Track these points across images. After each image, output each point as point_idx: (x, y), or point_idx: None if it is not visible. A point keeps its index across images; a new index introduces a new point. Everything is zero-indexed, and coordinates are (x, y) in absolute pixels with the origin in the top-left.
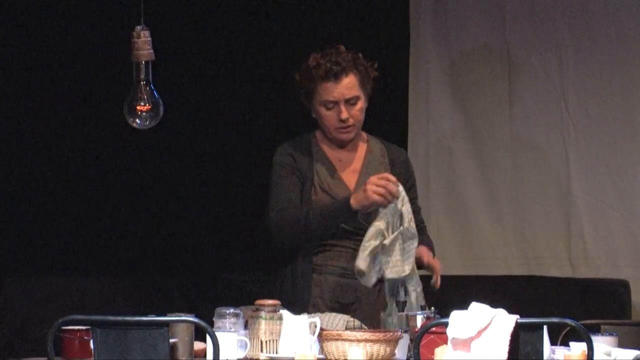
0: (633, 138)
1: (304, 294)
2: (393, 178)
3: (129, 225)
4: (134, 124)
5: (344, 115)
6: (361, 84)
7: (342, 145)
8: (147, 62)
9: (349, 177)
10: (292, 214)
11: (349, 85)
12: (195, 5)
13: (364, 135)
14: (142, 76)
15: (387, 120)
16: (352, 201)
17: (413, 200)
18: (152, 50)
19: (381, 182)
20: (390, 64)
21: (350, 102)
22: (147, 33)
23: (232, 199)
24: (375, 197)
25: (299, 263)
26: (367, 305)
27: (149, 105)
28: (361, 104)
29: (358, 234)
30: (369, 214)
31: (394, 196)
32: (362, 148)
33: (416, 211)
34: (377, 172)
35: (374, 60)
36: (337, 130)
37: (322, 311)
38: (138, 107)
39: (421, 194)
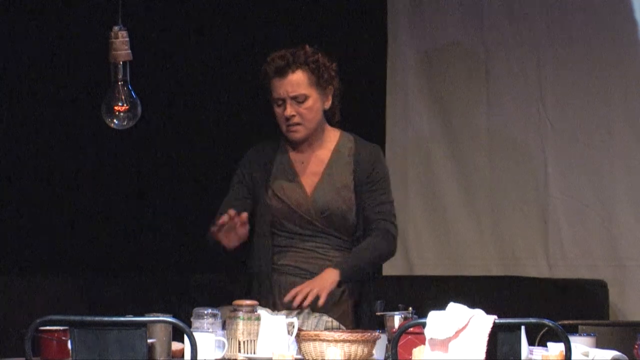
0: (610, 138)
1: (267, 293)
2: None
3: (106, 224)
4: (112, 124)
5: (287, 112)
6: (313, 83)
7: (295, 145)
8: (124, 63)
9: (309, 180)
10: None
11: (295, 82)
12: (172, 6)
13: (336, 133)
14: (120, 76)
15: (365, 121)
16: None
17: (371, 193)
18: (129, 51)
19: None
20: (368, 64)
21: (297, 99)
22: (124, 33)
23: (210, 198)
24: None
25: (261, 263)
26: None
27: (127, 105)
28: (312, 103)
29: (315, 236)
30: (327, 219)
31: None
32: (328, 148)
33: (376, 203)
34: (341, 174)
35: (352, 61)
36: (286, 128)
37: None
38: (116, 108)
39: (399, 195)
